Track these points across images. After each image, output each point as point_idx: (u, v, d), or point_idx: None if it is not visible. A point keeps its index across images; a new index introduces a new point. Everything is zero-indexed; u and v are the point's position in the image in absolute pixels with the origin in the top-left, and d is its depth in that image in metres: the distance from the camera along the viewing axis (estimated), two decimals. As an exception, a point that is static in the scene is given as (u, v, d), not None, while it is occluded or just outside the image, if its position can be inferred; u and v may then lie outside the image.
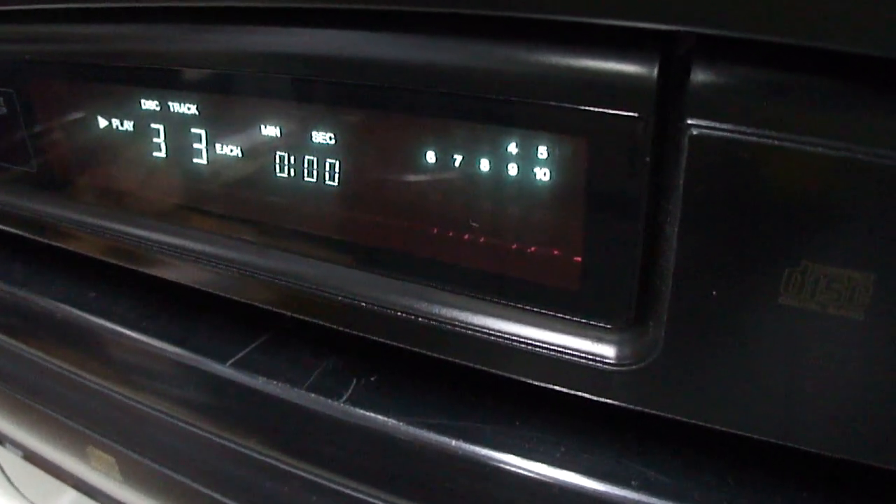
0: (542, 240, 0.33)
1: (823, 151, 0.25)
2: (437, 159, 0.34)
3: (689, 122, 0.27)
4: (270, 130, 0.39)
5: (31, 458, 0.79)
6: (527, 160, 0.32)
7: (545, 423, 0.39)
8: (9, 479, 0.92)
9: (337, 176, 0.37)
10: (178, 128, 0.42)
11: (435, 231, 0.35)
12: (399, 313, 0.38)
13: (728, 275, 0.28)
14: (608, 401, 0.34)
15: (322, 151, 0.37)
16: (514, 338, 0.35)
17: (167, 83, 0.42)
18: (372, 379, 0.44)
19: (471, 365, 0.37)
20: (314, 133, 0.37)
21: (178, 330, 0.51)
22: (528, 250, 0.33)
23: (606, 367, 0.33)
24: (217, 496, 0.51)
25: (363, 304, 0.39)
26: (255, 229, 0.42)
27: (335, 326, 0.41)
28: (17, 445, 0.79)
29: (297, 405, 0.44)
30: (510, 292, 0.35)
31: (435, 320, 0.37)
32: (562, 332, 0.34)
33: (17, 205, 0.55)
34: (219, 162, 0.42)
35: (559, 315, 0.34)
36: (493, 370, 0.36)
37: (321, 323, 0.42)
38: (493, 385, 0.40)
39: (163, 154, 0.44)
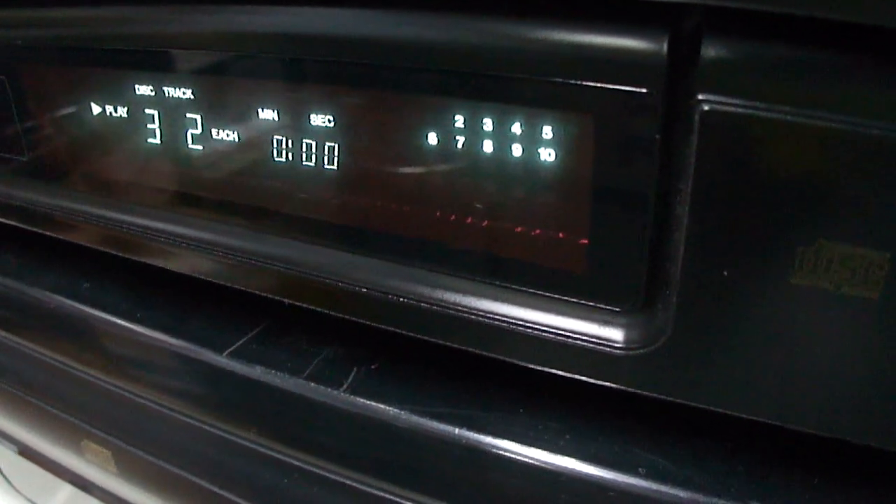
0: (547, 222, 0.32)
1: (838, 126, 0.24)
2: (438, 140, 0.33)
3: (700, 97, 0.26)
4: (267, 114, 0.38)
5: (27, 453, 0.78)
6: (532, 140, 0.31)
7: (550, 410, 0.38)
8: (4, 476, 0.92)
9: (336, 159, 0.37)
10: (172, 113, 0.42)
11: (437, 214, 0.35)
12: (400, 299, 0.37)
13: (740, 255, 0.27)
14: (616, 386, 0.33)
15: (320, 134, 0.37)
16: (518, 322, 0.34)
17: (161, 67, 0.41)
18: (373, 367, 0.43)
19: (474, 351, 0.36)
20: (312, 116, 0.36)
21: (173, 320, 0.50)
22: (534, 233, 0.33)
23: (614, 351, 0.32)
24: (215, 489, 0.51)
25: (363, 289, 0.38)
26: (253, 215, 0.42)
27: (334, 313, 0.40)
28: (11, 441, 0.78)
29: (296, 395, 0.43)
30: (515, 276, 0.34)
31: (437, 305, 0.36)
32: (568, 315, 0.33)
33: (9, 194, 0.54)
34: (215, 147, 0.41)
35: (566, 298, 0.33)
36: (496, 356, 0.36)
37: (320, 310, 0.41)
38: (497, 372, 0.39)
39: (157, 140, 0.43)
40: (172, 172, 0.44)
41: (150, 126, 0.43)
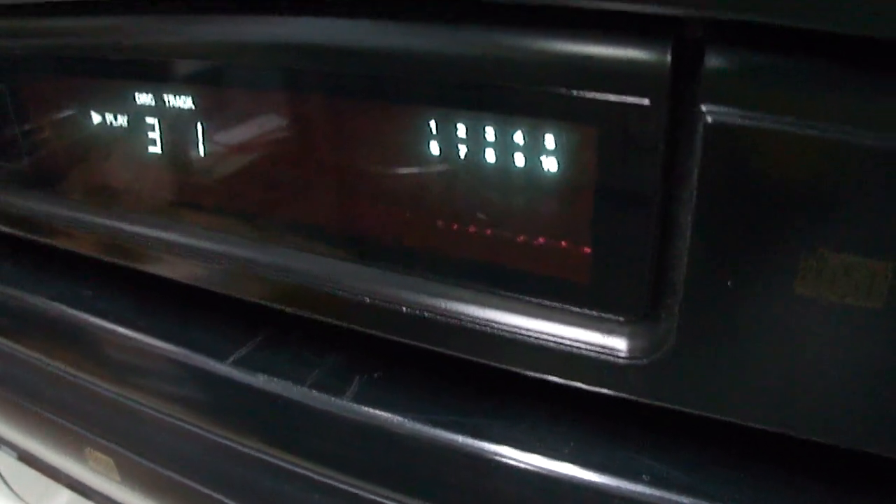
0: (550, 231, 0.32)
1: (841, 137, 0.24)
2: (441, 150, 0.33)
3: (704, 108, 0.26)
4: (268, 122, 0.38)
5: (27, 459, 0.78)
6: (534, 150, 0.31)
7: (554, 419, 0.38)
8: (4, 480, 0.92)
9: (338, 168, 0.37)
10: (173, 122, 0.42)
11: (440, 223, 0.35)
12: (403, 308, 0.37)
13: (743, 264, 0.27)
14: (620, 394, 0.33)
15: (321, 144, 0.36)
16: (521, 332, 0.34)
17: (162, 76, 0.41)
18: (376, 375, 0.43)
19: (477, 360, 0.36)
20: (314, 124, 0.36)
21: (176, 328, 0.50)
22: (537, 242, 0.33)
23: (618, 360, 0.32)
24: (218, 496, 0.51)
25: (366, 299, 0.38)
26: (254, 224, 0.42)
27: (337, 322, 0.40)
28: (11, 447, 0.78)
29: (299, 403, 0.43)
30: (518, 285, 0.34)
31: (440, 315, 0.36)
32: (571, 324, 0.33)
33: (9, 203, 0.54)
34: (215, 156, 0.41)
35: (569, 308, 0.33)
36: (500, 365, 0.36)
37: (323, 319, 0.41)
38: (501, 380, 0.39)
39: (158, 149, 0.43)
40: (173, 181, 0.44)
41: (150, 135, 0.43)
